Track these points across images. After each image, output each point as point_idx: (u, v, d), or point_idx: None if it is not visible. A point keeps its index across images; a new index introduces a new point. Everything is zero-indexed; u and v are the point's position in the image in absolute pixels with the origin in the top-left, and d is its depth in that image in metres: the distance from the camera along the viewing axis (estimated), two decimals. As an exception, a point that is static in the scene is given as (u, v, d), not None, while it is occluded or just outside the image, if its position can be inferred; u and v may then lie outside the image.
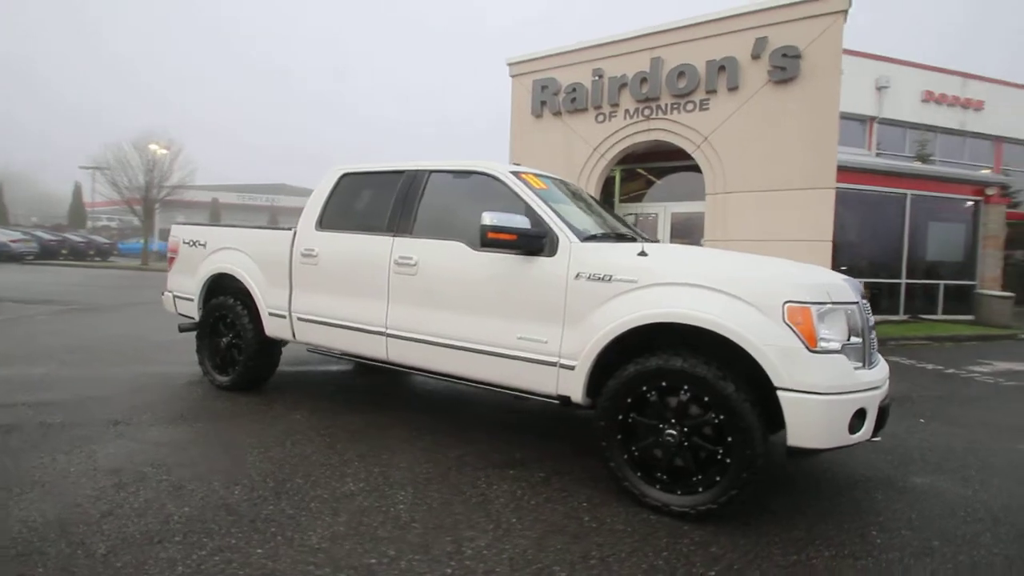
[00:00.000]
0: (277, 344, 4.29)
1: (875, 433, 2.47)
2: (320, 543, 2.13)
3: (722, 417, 2.37)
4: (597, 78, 8.65)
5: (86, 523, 2.20)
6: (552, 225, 2.90)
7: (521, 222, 2.84)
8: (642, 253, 2.70)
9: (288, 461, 2.93)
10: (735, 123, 7.62)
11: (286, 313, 3.93)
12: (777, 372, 2.28)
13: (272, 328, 4.03)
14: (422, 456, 3.08)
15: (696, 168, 8.32)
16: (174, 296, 4.75)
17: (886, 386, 2.59)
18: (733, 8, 7.58)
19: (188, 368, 4.95)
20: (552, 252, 2.86)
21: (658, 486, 2.52)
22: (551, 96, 9.12)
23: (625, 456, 2.60)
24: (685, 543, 2.25)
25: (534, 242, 2.85)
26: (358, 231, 3.66)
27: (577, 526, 2.36)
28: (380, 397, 4.44)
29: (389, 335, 3.40)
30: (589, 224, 3.22)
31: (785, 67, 7.15)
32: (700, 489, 2.43)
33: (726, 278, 2.48)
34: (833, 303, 2.38)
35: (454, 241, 3.21)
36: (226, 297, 4.30)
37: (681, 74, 7.92)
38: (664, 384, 2.50)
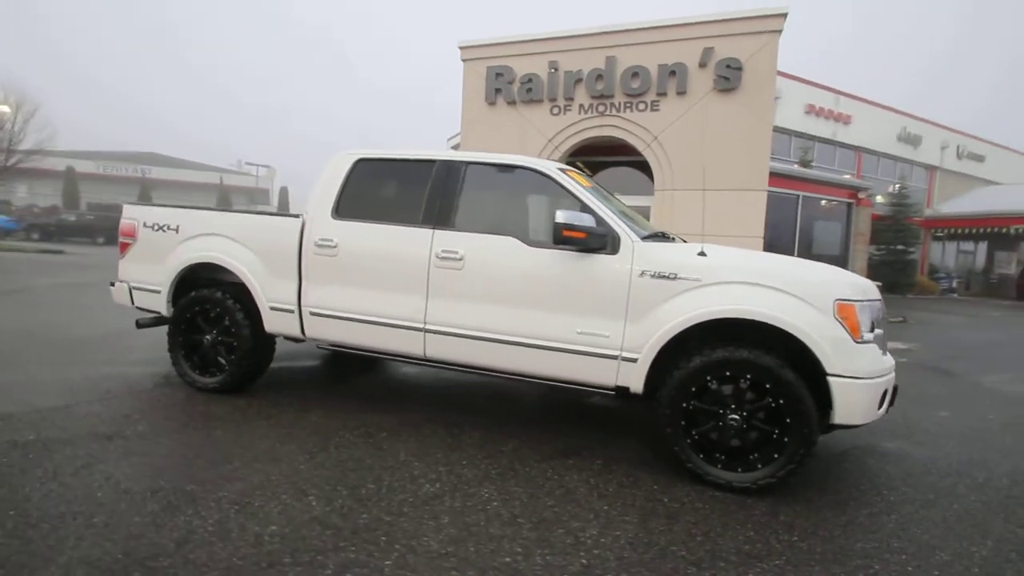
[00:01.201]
0: (273, 341, 3.94)
1: (888, 409, 2.94)
2: (443, 547, 2.09)
3: (781, 401, 2.67)
4: (553, 71, 8.80)
5: (166, 555, 1.94)
6: (612, 224, 3.01)
7: (589, 220, 2.92)
8: (702, 253, 2.92)
9: (345, 466, 2.77)
10: (682, 125, 8.22)
11: (294, 308, 3.62)
12: (829, 361, 2.63)
13: (274, 324, 3.70)
14: (477, 452, 3.06)
15: (644, 163, 8.86)
16: (131, 287, 4.13)
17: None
18: (684, 17, 8.11)
19: (145, 368, 4.40)
20: (615, 250, 2.97)
21: (719, 466, 2.79)
22: (506, 85, 9.11)
23: (688, 440, 2.83)
24: (757, 514, 2.53)
25: (599, 240, 2.95)
26: (388, 222, 3.47)
27: (664, 508, 2.54)
28: (388, 394, 4.27)
29: (428, 331, 3.30)
30: (635, 223, 3.37)
31: (728, 77, 7.84)
32: (759, 466, 2.73)
33: (781, 277, 2.78)
34: (868, 300, 2.78)
35: (505, 236, 3.20)
36: (211, 290, 3.84)
37: (635, 75, 8.33)
38: (727, 373, 2.75)
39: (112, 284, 4.26)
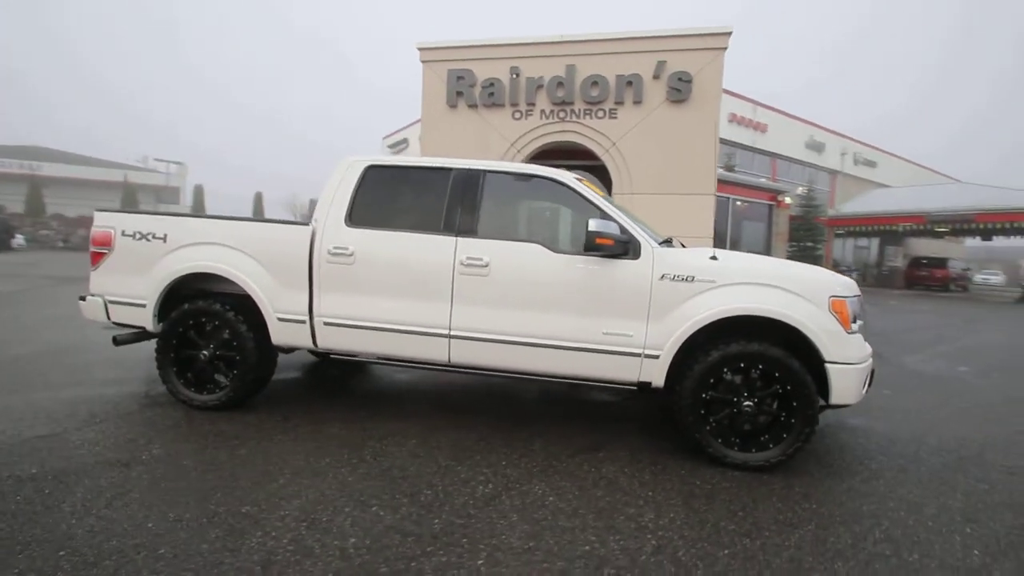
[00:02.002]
0: (276, 353, 3.81)
1: (867, 390, 3.39)
2: (524, 543, 2.20)
3: (788, 387, 3.02)
4: (515, 76, 8.98)
5: (257, 576, 1.90)
6: (633, 231, 3.23)
7: (615, 228, 3.12)
8: (713, 257, 3.21)
9: (391, 475, 2.78)
10: (639, 133, 8.71)
11: (305, 318, 3.53)
12: (827, 350, 3.01)
13: (283, 335, 3.58)
14: (511, 452, 3.17)
15: (602, 168, 9.26)
16: (106, 301, 3.81)
17: None
18: (639, 31, 8.60)
19: (119, 388, 4.11)
20: (636, 255, 3.20)
21: (736, 448, 3.10)
22: (467, 88, 9.17)
23: (707, 427, 3.11)
24: (777, 488, 2.85)
25: (623, 246, 3.15)
26: (406, 229, 3.48)
27: (699, 489, 2.79)
28: (394, 401, 4.24)
29: (453, 336, 3.36)
30: (647, 229, 3.61)
31: (680, 89, 8.41)
32: (771, 446, 3.06)
33: (784, 278, 3.13)
34: (854, 295, 3.20)
35: (531, 243, 3.32)
36: (207, 301, 3.64)
37: (594, 83, 8.71)
38: (741, 365, 3.06)
39: (82, 298, 3.91)
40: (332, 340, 3.54)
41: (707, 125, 8.48)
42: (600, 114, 8.82)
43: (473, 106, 9.22)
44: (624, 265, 3.20)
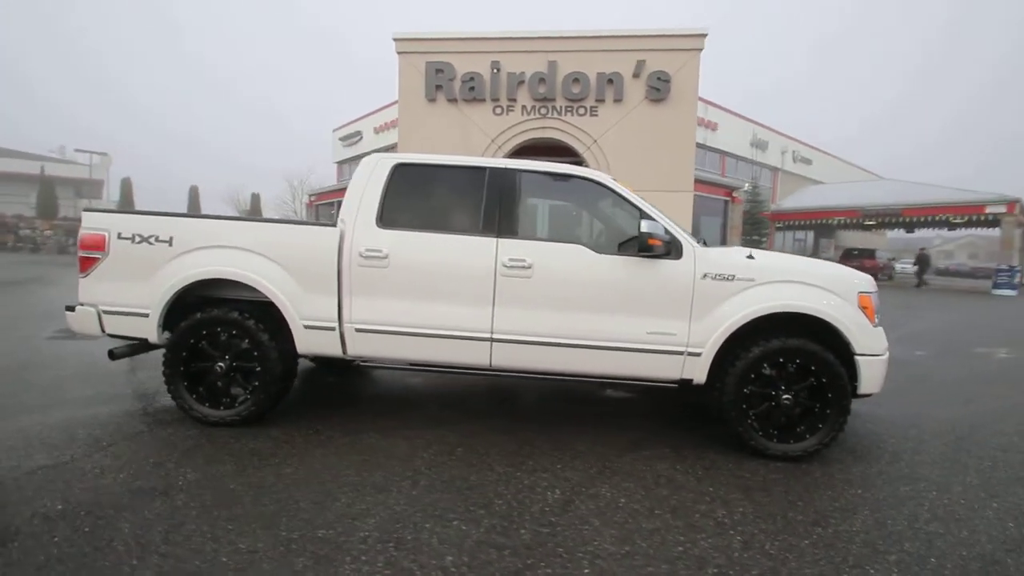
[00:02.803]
0: (296, 362, 3.60)
1: None
2: (619, 547, 2.20)
3: (824, 379, 3.17)
4: (496, 71, 8.89)
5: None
6: (675, 232, 3.28)
7: (662, 229, 3.15)
8: (750, 256, 3.32)
9: (455, 486, 2.69)
10: (619, 130, 8.86)
11: (334, 324, 3.35)
12: (858, 342, 3.19)
13: (309, 343, 3.38)
14: (560, 455, 3.15)
15: (583, 164, 9.35)
16: (100, 311, 3.46)
17: None
18: (619, 29, 8.72)
19: (110, 407, 3.83)
20: (679, 255, 3.25)
21: (775, 440, 3.23)
22: (447, 82, 8.99)
23: (748, 421, 3.22)
24: (819, 477, 3.00)
25: (668, 247, 3.20)
26: (442, 230, 3.37)
27: (754, 483, 2.89)
28: (416, 407, 4.11)
29: (496, 340, 3.29)
30: (684, 229, 3.66)
31: (659, 88, 8.62)
32: (807, 436, 3.22)
33: (817, 275, 3.28)
34: (875, 291, 3.40)
35: (574, 244, 3.30)
36: (223, 309, 3.38)
37: (575, 80, 8.77)
38: (780, 359, 3.19)
39: (70, 309, 3.52)
40: (364, 347, 3.38)
41: (685, 124, 8.75)
42: (581, 111, 8.89)
43: (453, 100, 9.05)
44: (667, 265, 3.25)
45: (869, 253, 27.46)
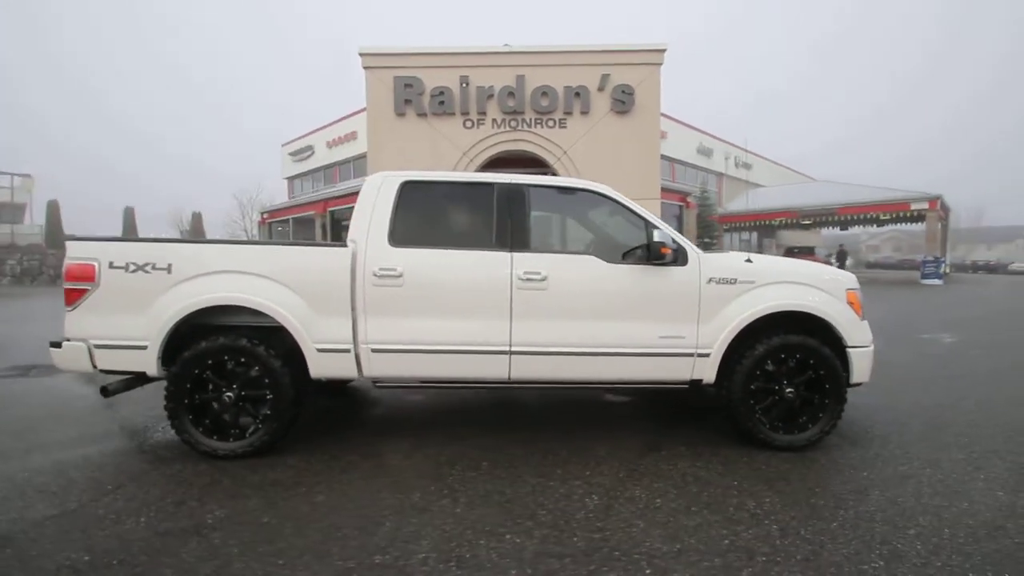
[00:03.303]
0: (309, 387, 3.50)
1: None
2: (672, 546, 2.28)
3: (822, 372, 3.41)
4: (464, 85, 8.97)
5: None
6: (680, 240, 3.45)
7: (669, 238, 3.31)
8: (748, 260, 3.53)
9: (493, 500, 2.71)
10: (588, 142, 9.13)
11: (349, 346, 3.30)
12: (849, 336, 3.45)
13: (323, 367, 3.31)
14: (585, 461, 3.22)
15: (554, 175, 9.56)
16: (91, 346, 3.25)
17: None
18: (583, 44, 9.01)
19: (100, 444, 3.64)
20: (684, 262, 3.41)
21: (780, 432, 3.43)
22: (416, 96, 8.99)
23: (755, 415, 3.41)
24: (825, 464, 3.21)
25: (676, 254, 3.35)
26: (456, 247, 3.39)
27: (773, 474, 3.06)
28: (422, 424, 4.07)
29: (514, 352, 3.34)
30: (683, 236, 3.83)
31: (624, 101, 8.96)
32: (809, 426, 3.43)
33: (810, 276, 3.53)
34: (859, 287, 3.69)
35: (585, 255, 3.41)
36: (230, 337, 3.26)
37: (544, 94, 8.98)
38: (782, 356, 3.40)
39: (56, 344, 3.29)
40: (381, 367, 3.34)
41: (649, 134, 9.12)
42: (550, 123, 9.11)
43: (423, 114, 9.05)
44: (675, 272, 3.40)
45: (809, 250, 29.30)
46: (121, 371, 3.36)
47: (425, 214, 3.53)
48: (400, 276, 3.30)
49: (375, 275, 3.30)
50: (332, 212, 18.15)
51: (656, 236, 3.24)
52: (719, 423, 3.92)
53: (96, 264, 3.24)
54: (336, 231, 18.46)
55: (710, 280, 3.41)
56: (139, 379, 3.49)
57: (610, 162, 9.11)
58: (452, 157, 9.16)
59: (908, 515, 2.57)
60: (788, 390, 3.40)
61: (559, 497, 2.75)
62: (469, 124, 9.14)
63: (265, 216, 23.01)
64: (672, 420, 4.12)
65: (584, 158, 9.10)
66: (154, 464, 3.20)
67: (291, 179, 30.56)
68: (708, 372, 3.42)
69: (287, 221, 21.64)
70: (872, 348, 3.59)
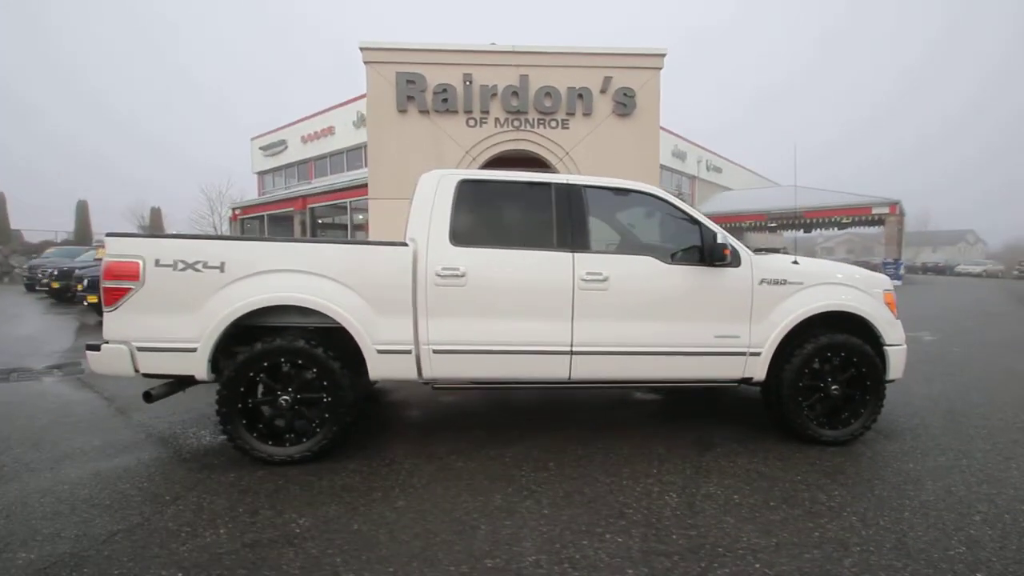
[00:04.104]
0: (366, 390, 3.41)
1: None
2: (769, 540, 2.34)
3: (864, 369, 3.56)
4: (468, 83, 8.90)
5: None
6: (731, 241, 3.53)
7: (728, 240, 3.38)
8: (795, 262, 3.65)
9: (577, 500, 2.71)
10: (589, 143, 9.22)
11: (411, 347, 3.24)
12: (887, 335, 3.62)
13: (383, 369, 3.23)
14: (648, 459, 3.27)
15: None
16: (134, 348, 3.07)
17: None
18: (586, 47, 9.09)
19: (135, 453, 3.45)
20: (738, 263, 3.50)
21: (826, 429, 3.56)
22: (419, 93, 8.86)
23: (804, 412, 3.54)
24: (871, 456, 3.37)
25: (732, 256, 3.44)
26: (516, 247, 3.37)
27: (827, 467, 3.17)
28: (474, 426, 4.01)
29: (575, 352, 3.35)
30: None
31: (625, 104, 9.09)
32: (851, 422, 3.58)
33: (852, 277, 3.68)
34: (892, 288, 3.87)
35: (644, 256, 3.45)
36: (287, 338, 3.14)
37: (547, 94, 9.01)
38: (828, 354, 3.54)
39: (94, 347, 3.09)
40: (442, 368, 3.29)
41: (650, 137, 9.28)
42: (553, 124, 9.14)
43: (425, 112, 8.93)
44: (729, 273, 3.49)
45: (775, 251, 30.39)
46: (164, 375, 3.19)
47: (483, 213, 3.49)
48: (463, 276, 3.26)
49: (438, 275, 3.24)
50: (312, 209, 17.66)
51: (720, 239, 3.31)
52: (754, 419, 4.04)
53: (141, 262, 3.07)
54: (316, 229, 17.98)
55: (762, 281, 3.51)
56: (181, 383, 3.33)
57: (611, 164, 9.22)
58: (455, 156, 9.08)
59: (967, 503, 2.72)
60: (834, 387, 3.54)
61: (639, 495, 2.78)
62: (472, 123, 9.07)
63: (237, 212, 22.13)
64: (710, 416, 4.22)
65: (586, 159, 9.18)
66: (205, 472, 3.05)
67: (262, 174, 29.56)
68: (759, 370, 3.52)
69: (261, 218, 20.89)
70: (905, 347, 3.77)
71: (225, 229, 27.88)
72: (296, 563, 2.14)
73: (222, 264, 3.11)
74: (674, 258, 3.48)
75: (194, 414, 4.19)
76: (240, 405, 3.12)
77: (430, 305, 3.25)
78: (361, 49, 8.82)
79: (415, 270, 3.25)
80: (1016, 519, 2.56)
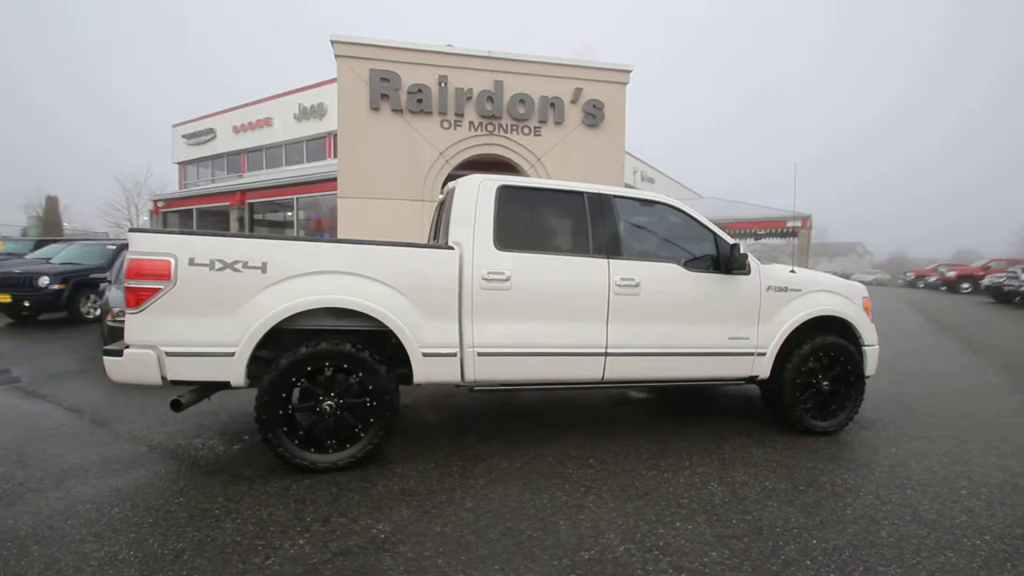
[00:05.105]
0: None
1: None
2: (811, 519, 2.63)
3: (849, 367, 4.04)
4: (443, 85, 8.87)
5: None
6: (744, 250, 3.87)
7: (747, 251, 3.71)
8: (793, 271, 4.06)
9: (632, 493, 2.88)
10: (560, 151, 9.50)
11: (456, 350, 3.26)
12: (866, 336, 4.12)
13: (427, 372, 3.22)
14: (675, 454, 3.51)
15: (524, 183, 9.76)
16: (163, 353, 2.86)
17: None
18: (559, 57, 9.37)
19: (148, 468, 3.22)
20: (749, 271, 3.84)
21: (819, 420, 3.99)
22: (393, 91, 8.70)
23: (802, 407, 3.94)
24: (857, 443, 3.82)
25: (747, 264, 3.77)
26: (556, 252, 3.49)
27: (829, 454, 3.57)
28: (501, 427, 4.06)
29: (609, 354, 3.52)
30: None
31: (594, 115, 9.46)
32: (838, 414, 4.04)
33: (838, 285, 4.16)
34: (868, 295, 4.40)
35: (669, 263, 3.69)
36: (332, 341, 3.05)
37: (521, 101, 9.17)
38: (820, 354, 3.98)
39: (113, 353, 2.84)
40: (486, 371, 3.33)
41: (616, 149, 9.72)
42: (526, 131, 9.32)
43: (398, 111, 8.78)
44: (742, 279, 3.82)
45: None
46: (194, 382, 2.98)
47: (521, 219, 3.58)
48: (507, 280, 3.33)
49: (483, 279, 3.29)
50: (251, 204, 16.60)
51: (741, 248, 3.63)
52: (747, 413, 4.43)
53: (172, 260, 2.86)
54: (253, 226, 16.92)
55: (768, 287, 3.88)
56: (208, 390, 3.13)
57: (580, 172, 9.53)
58: (429, 157, 8.99)
59: (949, 479, 3.19)
60: (825, 383, 3.98)
61: (685, 486, 3.00)
62: (446, 125, 9.03)
63: (159, 204, 20.29)
64: (710, 414, 4.56)
65: (556, 166, 9.44)
66: (245, 484, 2.89)
67: (184, 164, 27.25)
68: (764, 369, 3.88)
69: (189, 212, 19.28)
70: (878, 347, 4.31)
71: (144, 222, 25.35)
72: (399, 568, 2.13)
73: (264, 264, 2.97)
74: (692, 266, 3.75)
75: (182, 423, 3.91)
76: (281, 412, 2.99)
77: (476, 308, 3.29)
78: (333, 43, 8.52)
79: (461, 274, 3.27)
80: (992, 491, 3.04)
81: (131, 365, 2.84)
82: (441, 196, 4.44)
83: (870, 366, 4.16)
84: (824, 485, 3.06)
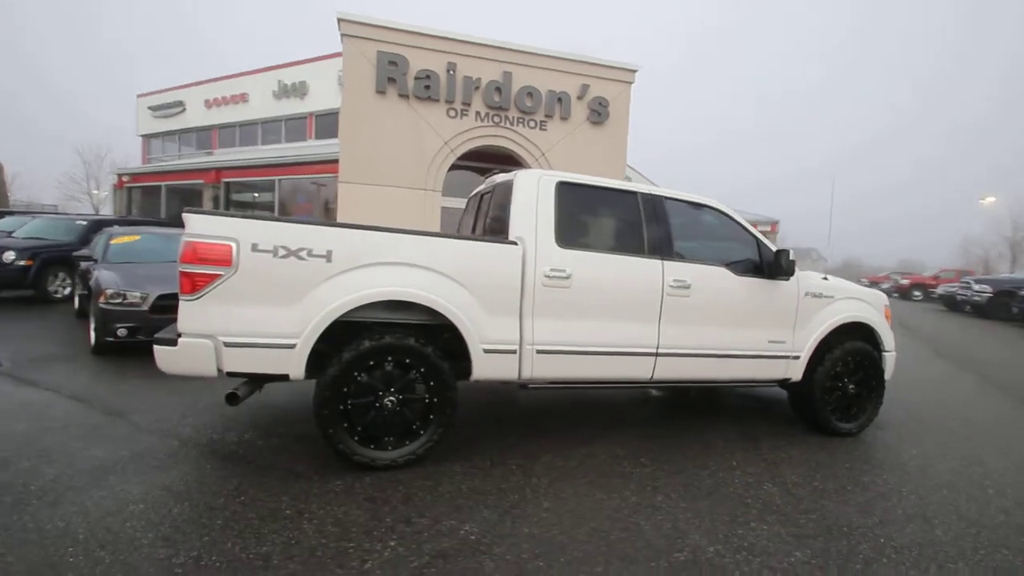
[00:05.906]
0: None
1: None
2: (867, 518, 2.74)
3: (871, 371, 4.22)
4: (451, 72, 8.70)
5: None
6: (791, 256, 3.97)
7: (794, 257, 3.80)
8: (825, 277, 4.20)
9: (696, 493, 2.93)
10: (565, 146, 9.49)
11: (515, 347, 3.22)
12: (886, 342, 4.32)
13: (487, 368, 3.17)
14: (719, 454, 3.59)
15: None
16: (221, 344, 2.71)
17: None
18: (567, 53, 9.32)
19: (182, 467, 3.04)
20: (789, 276, 3.95)
21: (841, 422, 4.16)
22: (400, 76, 8.47)
23: (828, 408, 4.10)
24: (880, 443, 4.02)
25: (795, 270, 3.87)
26: (613, 251, 3.49)
27: (861, 454, 3.73)
28: (537, 424, 4.04)
29: (660, 354, 3.56)
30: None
31: (599, 112, 9.49)
32: (859, 416, 4.22)
33: (864, 293, 4.33)
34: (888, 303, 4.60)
35: (718, 267, 3.75)
36: (395, 335, 2.96)
37: (529, 94, 9.10)
38: (849, 358, 4.14)
39: (166, 343, 2.66)
40: (543, 369, 3.30)
41: (619, 148, 9.79)
42: (532, 124, 9.26)
43: (405, 96, 8.56)
44: (783, 285, 3.92)
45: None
46: (250, 374, 2.84)
47: (579, 216, 3.56)
48: (568, 277, 3.31)
49: (545, 275, 3.26)
50: (228, 183, 15.86)
51: (792, 255, 3.72)
52: (766, 414, 4.58)
53: (234, 245, 2.70)
54: (230, 206, 16.19)
55: (806, 294, 4.00)
56: (259, 383, 2.99)
57: (584, 168, 9.48)
58: (435, 146, 8.82)
59: (975, 479, 3.39)
60: (851, 386, 4.15)
61: (743, 486, 3.07)
62: (453, 113, 8.86)
63: (124, 179, 19.10)
64: (726, 413, 4.68)
65: (561, 161, 9.43)
66: (301, 482, 2.78)
67: (148, 137, 25.75)
68: (797, 372, 4.01)
69: (157, 188, 18.23)
70: (896, 352, 4.51)
71: (106, 197, 23.76)
72: (502, 571, 2.10)
73: (329, 253, 2.84)
74: (736, 268, 3.83)
75: (203, 416, 3.72)
76: (342, 407, 2.88)
77: (536, 305, 3.25)
78: (339, 20, 8.19)
79: (524, 270, 3.23)
80: (1018, 492, 3.25)
81: (186, 355, 2.68)
82: (482, 187, 4.36)
83: (889, 370, 4.36)
84: (868, 485, 3.20)
